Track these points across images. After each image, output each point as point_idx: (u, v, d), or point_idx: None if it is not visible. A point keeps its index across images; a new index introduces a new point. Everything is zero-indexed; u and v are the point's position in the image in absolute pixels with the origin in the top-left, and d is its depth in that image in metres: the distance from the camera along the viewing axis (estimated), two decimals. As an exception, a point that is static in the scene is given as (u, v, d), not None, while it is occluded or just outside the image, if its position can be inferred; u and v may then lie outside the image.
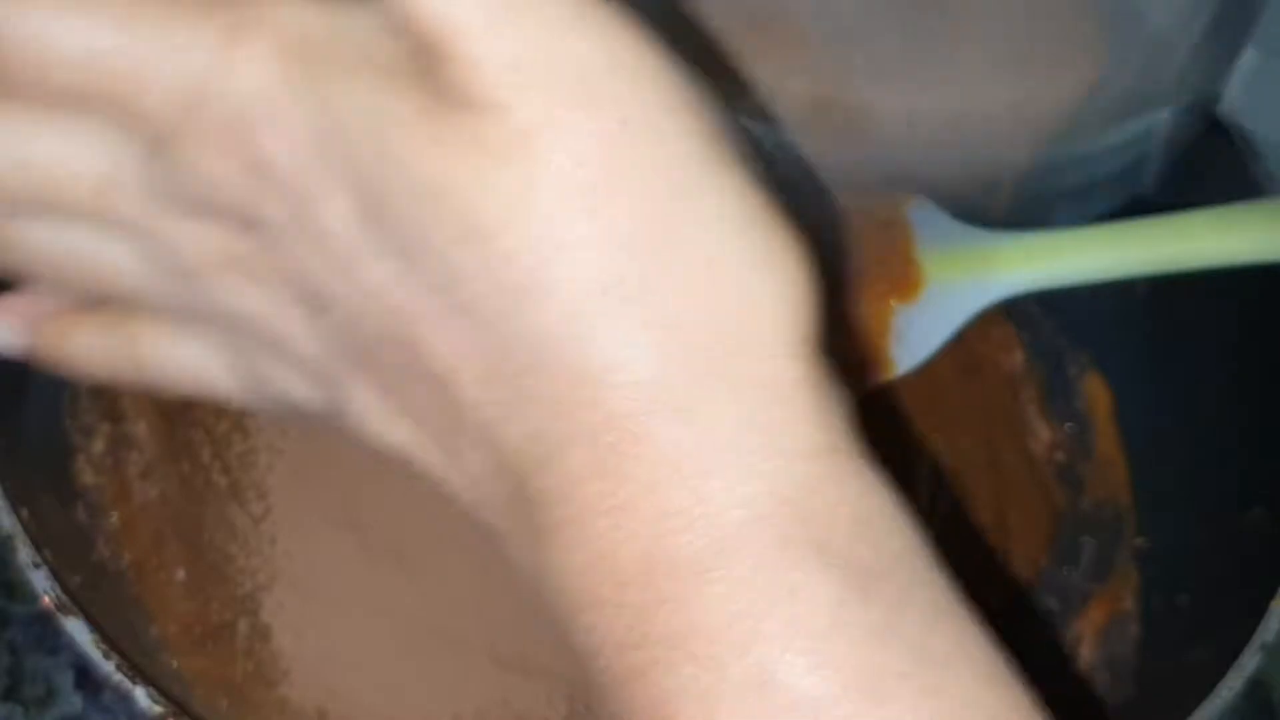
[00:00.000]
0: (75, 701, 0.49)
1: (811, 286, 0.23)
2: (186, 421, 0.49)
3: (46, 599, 0.38)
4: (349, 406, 0.26)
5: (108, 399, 0.48)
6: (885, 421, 0.54)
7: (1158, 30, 0.42)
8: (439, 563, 0.47)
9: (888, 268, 0.52)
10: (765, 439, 0.22)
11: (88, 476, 0.47)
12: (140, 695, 0.37)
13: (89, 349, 0.29)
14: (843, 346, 0.52)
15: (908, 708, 0.21)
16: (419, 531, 0.47)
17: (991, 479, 0.53)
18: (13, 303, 0.29)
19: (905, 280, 0.52)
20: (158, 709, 0.37)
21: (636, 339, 0.22)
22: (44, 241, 0.27)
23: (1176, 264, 0.49)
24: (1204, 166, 0.52)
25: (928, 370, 0.54)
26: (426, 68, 0.22)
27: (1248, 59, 0.48)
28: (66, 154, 0.25)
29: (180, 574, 0.46)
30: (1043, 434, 0.55)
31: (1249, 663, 0.42)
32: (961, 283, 0.52)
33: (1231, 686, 0.41)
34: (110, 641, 0.38)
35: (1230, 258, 0.48)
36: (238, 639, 0.45)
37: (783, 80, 0.42)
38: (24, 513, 0.40)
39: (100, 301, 0.28)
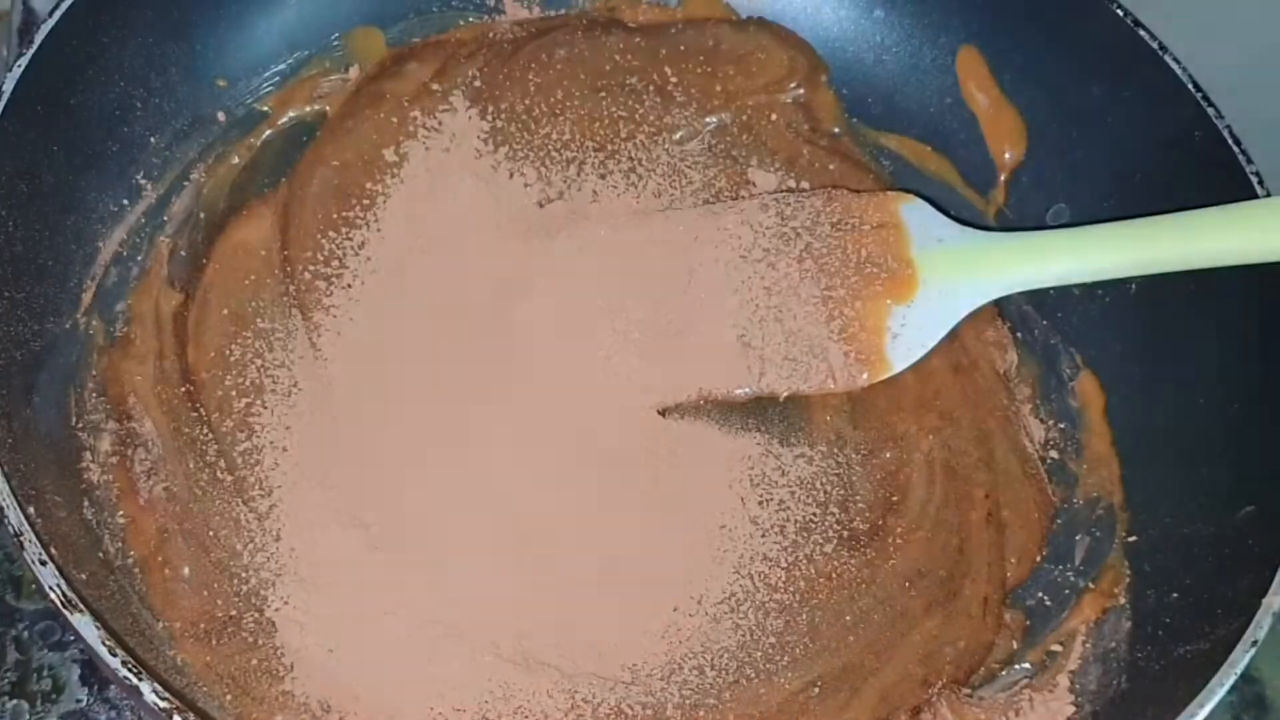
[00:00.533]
0: (82, 696, 0.50)
1: None
2: (192, 420, 0.49)
3: (53, 595, 0.38)
4: None
5: (114, 398, 0.49)
6: (880, 419, 0.54)
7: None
8: (441, 559, 0.47)
9: (883, 267, 0.52)
10: None
11: (94, 474, 0.47)
12: (146, 690, 0.37)
13: None
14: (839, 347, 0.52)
15: None
16: (422, 528, 0.48)
17: (985, 476, 0.53)
18: None
19: (901, 280, 0.52)
20: (163, 704, 0.37)
21: None
22: None
23: (1172, 264, 0.49)
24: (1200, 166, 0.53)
25: (922, 368, 0.55)
26: None
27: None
28: None
29: (186, 570, 0.46)
30: (1036, 432, 0.55)
31: (1240, 658, 0.42)
32: (956, 282, 0.52)
33: (1223, 682, 0.42)
34: (116, 637, 0.38)
35: (1226, 258, 0.48)
36: (243, 634, 0.45)
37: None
38: (31, 510, 0.41)
39: None
